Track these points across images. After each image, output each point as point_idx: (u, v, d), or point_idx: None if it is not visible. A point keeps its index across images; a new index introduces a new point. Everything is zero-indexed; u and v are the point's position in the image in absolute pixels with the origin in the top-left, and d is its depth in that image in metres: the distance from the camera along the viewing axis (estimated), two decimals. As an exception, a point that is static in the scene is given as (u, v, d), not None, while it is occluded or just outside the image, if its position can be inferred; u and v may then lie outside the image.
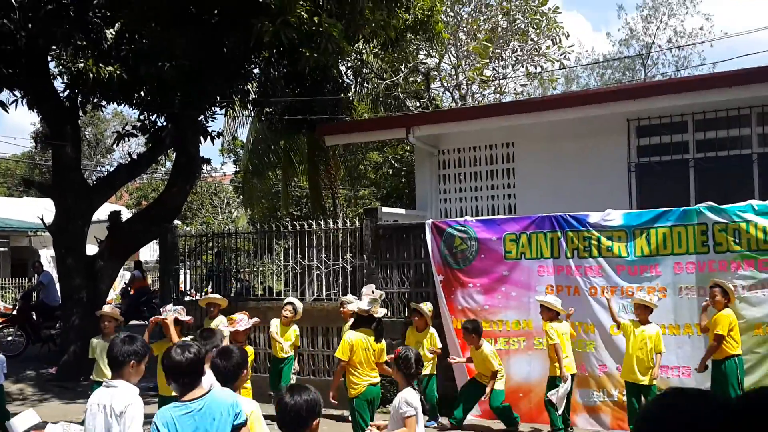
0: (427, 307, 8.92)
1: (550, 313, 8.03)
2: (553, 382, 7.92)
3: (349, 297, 9.07)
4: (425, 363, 8.66)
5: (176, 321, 7.64)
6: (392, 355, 5.45)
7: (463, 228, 9.36)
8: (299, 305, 9.34)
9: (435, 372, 8.81)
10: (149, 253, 24.59)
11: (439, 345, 8.82)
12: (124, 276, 20.68)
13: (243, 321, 7.32)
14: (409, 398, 5.07)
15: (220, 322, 8.89)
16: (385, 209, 11.90)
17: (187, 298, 12.09)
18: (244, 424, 3.98)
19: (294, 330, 9.33)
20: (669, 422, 1.59)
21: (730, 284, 7.61)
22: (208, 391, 3.98)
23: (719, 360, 7.37)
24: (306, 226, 10.88)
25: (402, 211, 13.12)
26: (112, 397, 4.15)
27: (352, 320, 8.42)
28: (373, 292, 8.29)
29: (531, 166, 11.73)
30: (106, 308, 8.71)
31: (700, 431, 1.57)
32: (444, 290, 9.38)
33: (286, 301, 9.44)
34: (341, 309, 8.82)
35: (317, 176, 18.34)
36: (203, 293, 12.35)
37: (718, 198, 8.25)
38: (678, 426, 1.58)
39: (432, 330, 8.84)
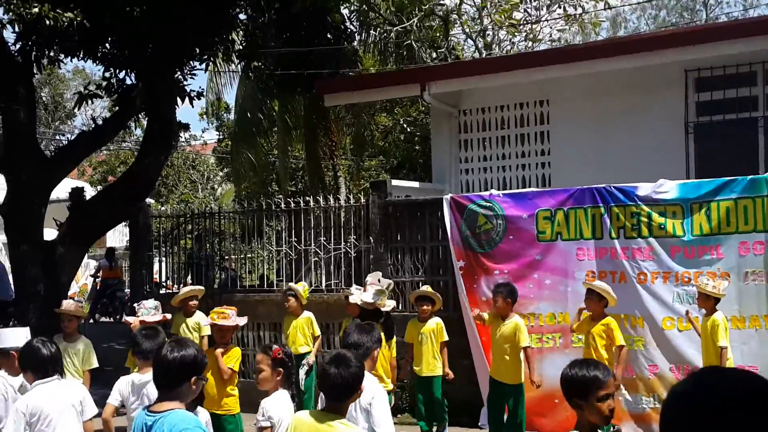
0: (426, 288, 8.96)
1: (602, 303, 7.92)
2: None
3: (353, 288, 9.11)
4: (432, 362, 8.72)
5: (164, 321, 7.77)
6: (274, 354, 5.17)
7: (487, 204, 9.36)
8: (299, 287, 9.41)
9: (442, 372, 8.77)
10: (118, 237, 24.74)
11: (446, 337, 8.78)
12: (88, 265, 20.84)
13: (233, 316, 7.40)
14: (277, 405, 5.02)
15: (200, 318, 9.00)
16: (395, 182, 11.90)
17: (162, 291, 12.17)
18: None
19: (304, 320, 9.38)
20: (700, 402, 1.69)
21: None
22: (174, 407, 3.97)
23: None
24: (302, 204, 10.91)
25: (415, 184, 13.11)
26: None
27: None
28: (379, 281, 8.38)
29: (569, 129, 11.66)
30: (66, 304, 8.78)
31: (732, 412, 1.64)
32: (465, 278, 9.40)
33: (284, 289, 9.58)
34: (347, 303, 8.83)
35: (316, 144, 18.34)
36: (182, 284, 12.43)
37: (793, 164, 8.20)
38: (709, 407, 1.67)
39: (437, 319, 8.84)
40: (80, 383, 6.48)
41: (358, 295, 8.33)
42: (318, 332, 9.51)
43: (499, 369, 8.34)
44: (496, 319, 8.50)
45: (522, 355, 8.19)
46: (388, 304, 8.41)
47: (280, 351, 5.08)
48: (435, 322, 8.80)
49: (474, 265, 9.38)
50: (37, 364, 5.38)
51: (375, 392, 4.82)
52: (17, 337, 5.91)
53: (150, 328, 6.25)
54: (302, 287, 9.50)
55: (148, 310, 7.90)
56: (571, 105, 11.72)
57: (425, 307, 8.80)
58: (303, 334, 9.42)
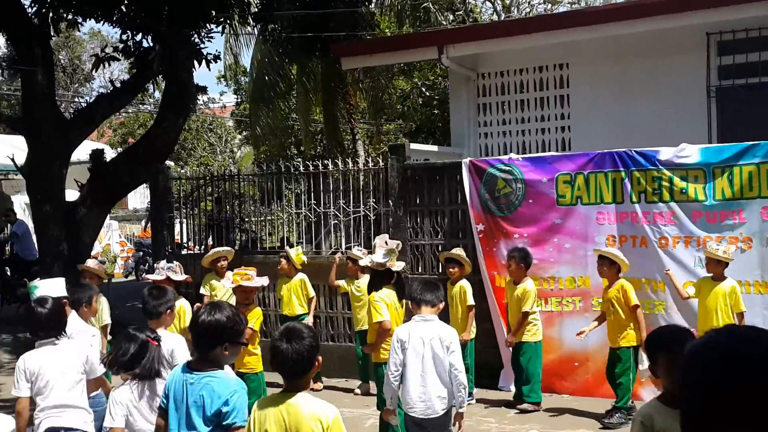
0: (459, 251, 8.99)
1: (613, 269, 7.92)
2: (636, 353, 7.68)
3: (356, 250, 9.49)
4: (455, 326, 8.68)
5: (169, 280, 7.72)
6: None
7: (507, 168, 9.30)
8: (292, 251, 9.69)
9: (472, 336, 8.78)
10: (139, 199, 24.86)
11: (471, 301, 8.75)
12: (111, 226, 21.03)
13: (255, 277, 7.42)
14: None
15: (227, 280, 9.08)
16: (414, 146, 11.85)
17: (184, 251, 12.21)
18: (234, 428, 3.89)
19: (298, 282, 9.64)
20: (719, 365, 1.63)
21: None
22: (216, 369, 4.03)
23: None
24: (321, 167, 10.86)
25: (434, 148, 13.06)
26: None
27: (364, 277, 8.63)
28: (386, 242, 8.34)
29: (589, 93, 11.56)
30: (90, 262, 8.81)
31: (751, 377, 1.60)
32: (483, 242, 9.37)
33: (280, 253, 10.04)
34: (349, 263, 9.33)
35: (334, 107, 18.24)
36: (203, 246, 12.45)
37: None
38: (728, 370, 1.62)
39: (464, 282, 8.83)
40: (87, 342, 6.45)
41: (367, 258, 8.32)
42: (312, 293, 9.76)
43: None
44: (510, 283, 8.57)
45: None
46: (398, 265, 8.41)
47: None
48: (459, 286, 8.79)
49: (493, 228, 9.33)
50: (35, 325, 5.39)
51: (453, 334, 5.70)
52: (57, 286, 6.03)
53: (157, 288, 6.25)
54: (295, 252, 9.73)
55: (159, 271, 7.91)
56: (591, 68, 11.60)
57: (451, 270, 8.81)
58: (297, 295, 9.66)
